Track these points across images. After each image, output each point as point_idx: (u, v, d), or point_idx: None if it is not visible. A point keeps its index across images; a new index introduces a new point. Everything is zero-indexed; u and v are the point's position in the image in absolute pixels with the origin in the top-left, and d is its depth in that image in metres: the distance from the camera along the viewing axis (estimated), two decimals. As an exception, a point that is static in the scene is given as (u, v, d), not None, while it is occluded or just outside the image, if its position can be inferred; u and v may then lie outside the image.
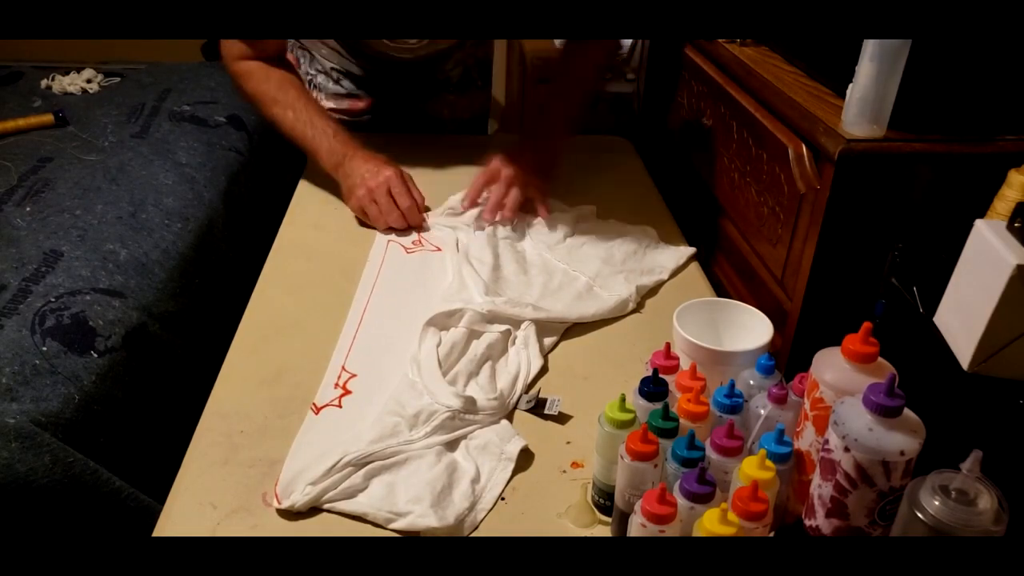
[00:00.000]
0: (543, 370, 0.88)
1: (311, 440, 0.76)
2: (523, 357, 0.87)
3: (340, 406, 0.81)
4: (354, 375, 0.85)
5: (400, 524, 0.68)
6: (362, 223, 1.16)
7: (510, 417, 0.81)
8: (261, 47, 1.19)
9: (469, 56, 1.43)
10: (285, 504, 0.69)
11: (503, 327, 0.90)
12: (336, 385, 0.84)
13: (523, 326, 0.91)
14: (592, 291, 1.00)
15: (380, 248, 1.10)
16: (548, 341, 0.92)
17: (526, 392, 0.84)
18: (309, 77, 1.39)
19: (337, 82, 1.39)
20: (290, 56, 1.41)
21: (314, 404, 0.81)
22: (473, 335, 0.89)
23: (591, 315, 0.96)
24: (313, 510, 0.69)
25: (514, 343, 0.90)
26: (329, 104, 1.40)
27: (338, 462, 0.71)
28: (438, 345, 0.85)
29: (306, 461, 0.72)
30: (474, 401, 0.78)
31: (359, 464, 0.72)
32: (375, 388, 0.83)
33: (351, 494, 0.70)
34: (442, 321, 0.89)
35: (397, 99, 1.43)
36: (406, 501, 0.69)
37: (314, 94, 1.39)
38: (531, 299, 0.96)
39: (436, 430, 0.76)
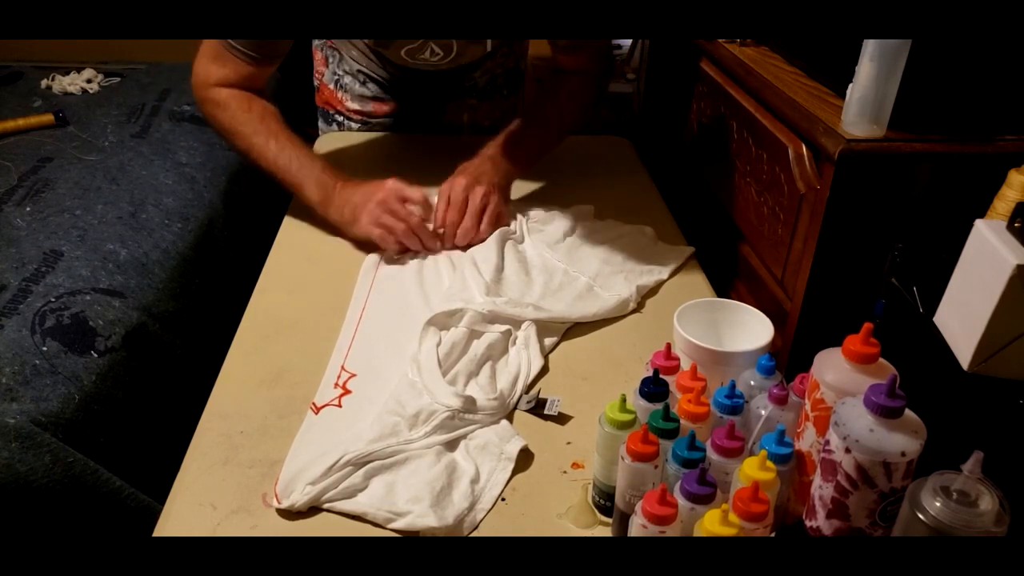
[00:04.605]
0: (543, 370, 0.88)
1: (311, 440, 0.76)
2: (523, 357, 0.87)
3: (340, 406, 0.81)
4: (353, 375, 0.85)
5: (399, 524, 0.68)
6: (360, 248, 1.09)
7: (510, 417, 0.81)
8: (249, 80, 1.12)
9: (498, 65, 1.43)
10: (285, 504, 0.69)
11: (504, 327, 0.90)
12: (336, 385, 0.84)
13: (524, 326, 0.91)
14: (592, 291, 1.00)
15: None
16: (549, 341, 0.92)
17: (526, 392, 0.84)
18: (336, 77, 1.40)
19: (364, 84, 1.39)
20: (318, 55, 1.42)
21: (314, 404, 0.81)
22: (474, 335, 0.89)
23: (592, 315, 0.96)
24: (313, 510, 0.70)
25: (515, 343, 0.90)
26: (354, 105, 1.41)
27: (338, 461, 0.71)
28: (438, 345, 0.85)
29: (306, 461, 0.72)
30: (474, 401, 0.78)
31: (359, 464, 0.72)
32: (374, 387, 0.83)
33: (351, 494, 0.70)
34: (443, 321, 0.89)
35: (420, 103, 1.43)
36: (405, 501, 0.69)
37: (339, 95, 1.40)
38: (532, 299, 0.96)
39: (436, 430, 0.75)
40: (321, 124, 1.48)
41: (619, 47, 2.12)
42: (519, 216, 1.15)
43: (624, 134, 1.56)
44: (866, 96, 0.89)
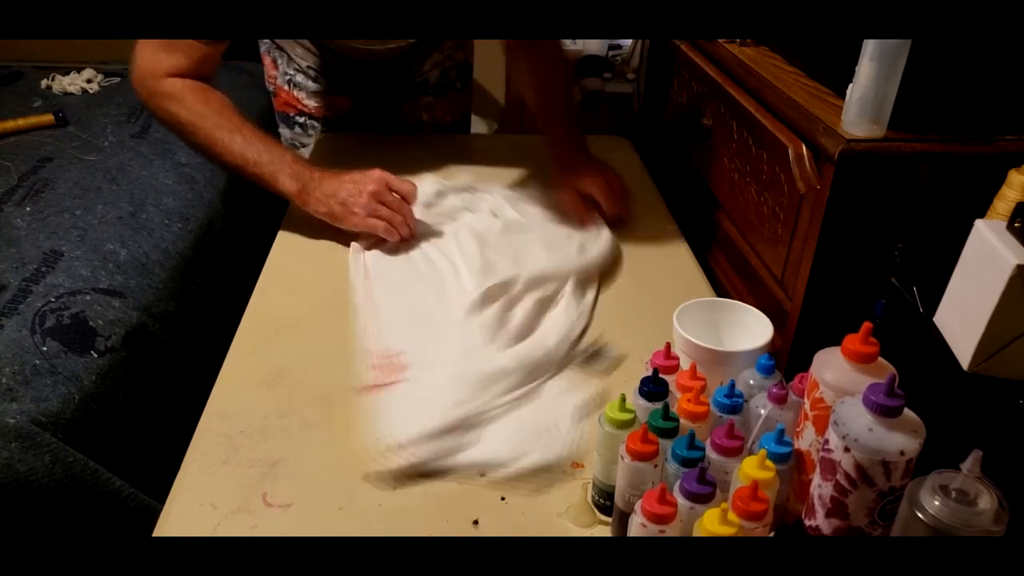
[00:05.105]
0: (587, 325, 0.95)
1: (393, 410, 0.79)
2: (571, 314, 0.94)
3: (401, 381, 0.83)
4: (398, 352, 0.87)
5: (511, 468, 0.73)
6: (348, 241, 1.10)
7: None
8: (202, 65, 1.07)
9: (448, 58, 1.42)
10: (397, 462, 0.72)
11: (554, 285, 0.98)
12: (378, 367, 0.85)
13: (569, 284, 0.98)
14: (581, 244, 1.07)
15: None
16: (589, 298, 0.99)
17: (577, 344, 0.91)
18: (288, 76, 1.39)
19: (315, 80, 1.38)
20: (267, 59, 1.40)
21: (369, 386, 0.83)
22: (515, 301, 0.94)
23: (599, 258, 1.05)
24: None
25: (559, 303, 0.96)
26: (311, 102, 1.40)
27: (441, 425, 0.75)
28: (486, 312, 0.91)
29: (398, 425, 0.76)
30: (540, 357, 0.84)
31: (454, 427, 0.76)
32: (428, 360, 0.86)
33: (453, 452, 0.75)
34: (497, 292, 0.94)
35: (374, 100, 1.42)
36: (509, 448, 0.75)
37: (296, 93, 1.39)
38: (549, 259, 1.02)
39: (510, 389, 0.81)
40: (283, 130, 1.45)
41: (619, 47, 2.12)
42: (488, 195, 1.20)
43: (624, 134, 1.56)
44: (866, 96, 0.89)
